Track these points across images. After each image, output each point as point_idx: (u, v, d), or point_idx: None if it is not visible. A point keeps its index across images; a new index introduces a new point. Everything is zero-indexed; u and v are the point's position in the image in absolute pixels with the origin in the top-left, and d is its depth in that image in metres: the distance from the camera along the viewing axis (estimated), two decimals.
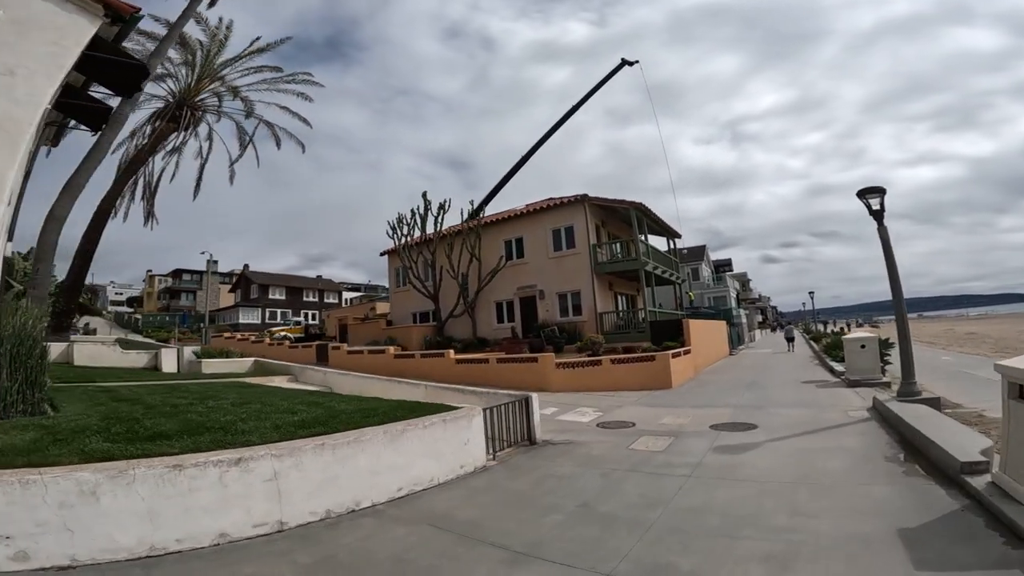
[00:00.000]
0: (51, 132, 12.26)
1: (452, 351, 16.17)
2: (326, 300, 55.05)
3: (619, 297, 22.19)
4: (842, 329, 33.49)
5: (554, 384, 12.90)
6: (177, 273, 71.40)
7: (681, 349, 15.38)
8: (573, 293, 20.29)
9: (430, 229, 23.56)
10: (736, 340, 30.81)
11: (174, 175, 21.97)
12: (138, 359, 15.94)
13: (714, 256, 54.81)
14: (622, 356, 13.38)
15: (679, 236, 25.19)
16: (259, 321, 47.42)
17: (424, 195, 23.87)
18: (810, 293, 42.37)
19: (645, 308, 18.84)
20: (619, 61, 33.51)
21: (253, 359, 14.27)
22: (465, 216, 22.89)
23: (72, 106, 11.00)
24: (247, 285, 52.05)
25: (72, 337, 19.20)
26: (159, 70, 19.77)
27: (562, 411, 9.64)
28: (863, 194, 8.32)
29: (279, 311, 49.98)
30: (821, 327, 39.07)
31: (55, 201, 9.80)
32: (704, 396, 10.98)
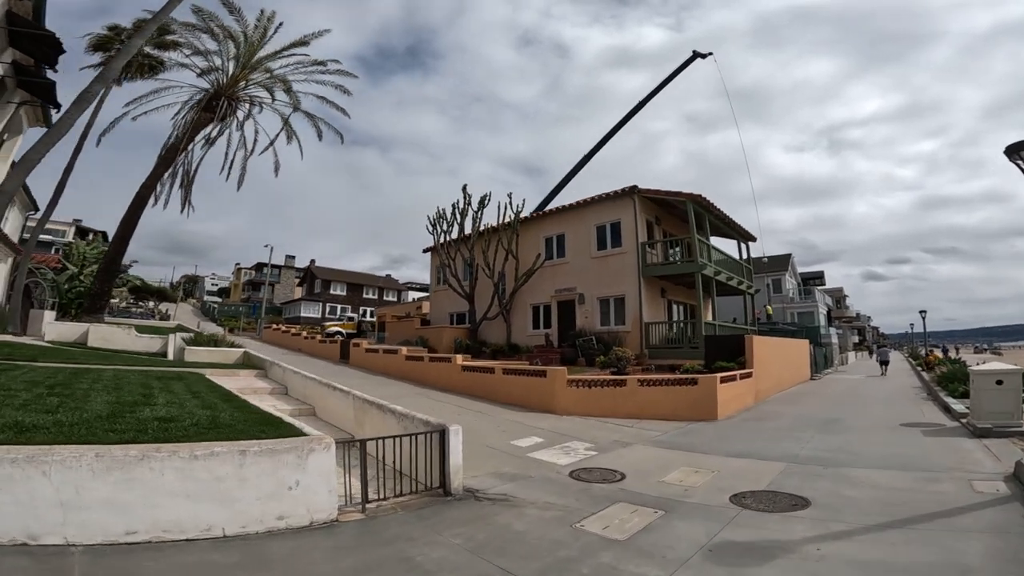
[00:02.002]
0: (38, 113, 12.07)
1: (460, 357, 14.25)
2: (386, 298, 55.59)
3: (674, 306, 19.19)
4: (954, 356, 27.55)
5: (562, 405, 10.53)
6: (259, 266, 76.05)
7: (737, 372, 12.40)
8: (616, 299, 17.67)
9: (470, 225, 22.05)
10: (822, 362, 26.28)
11: (224, 166, 21.99)
12: (151, 343, 15.63)
13: (804, 269, 48.66)
14: (653, 377, 10.74)
15: (753, 239, 21.59)
16: (319, 315, 48.58)
17: (464, 188, 22.34)
18: (921, 312, 35.69)
19: (700, 320, 15.82)
20: (690, 53, 30.44)
21: (243, 350, 13.27)
22: (504, 211, 20.99)
23: (32, 84, 10.64)
24: (312, 280, 53.78)
25: (107, 319, 19.68)
26: (201, 63, 19.86)
27: (547, 444, 7.37)
28: (1015, 151, 5.37)
29: (339, 307, 51.00)
30: (940, 353, 32.54)
31: (5, 176, 9.18)
32: (754, 437, 8.16)
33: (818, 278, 46.95)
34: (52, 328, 16.27)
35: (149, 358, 13.33)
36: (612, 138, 30.41)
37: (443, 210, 23.23)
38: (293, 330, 28.95)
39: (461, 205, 22.43)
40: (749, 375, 13.21)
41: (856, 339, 53.29)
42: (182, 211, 20.42)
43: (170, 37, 19.71)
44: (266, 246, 38.17)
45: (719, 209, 17.61)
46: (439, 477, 4.75)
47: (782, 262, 37.54)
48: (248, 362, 12.35)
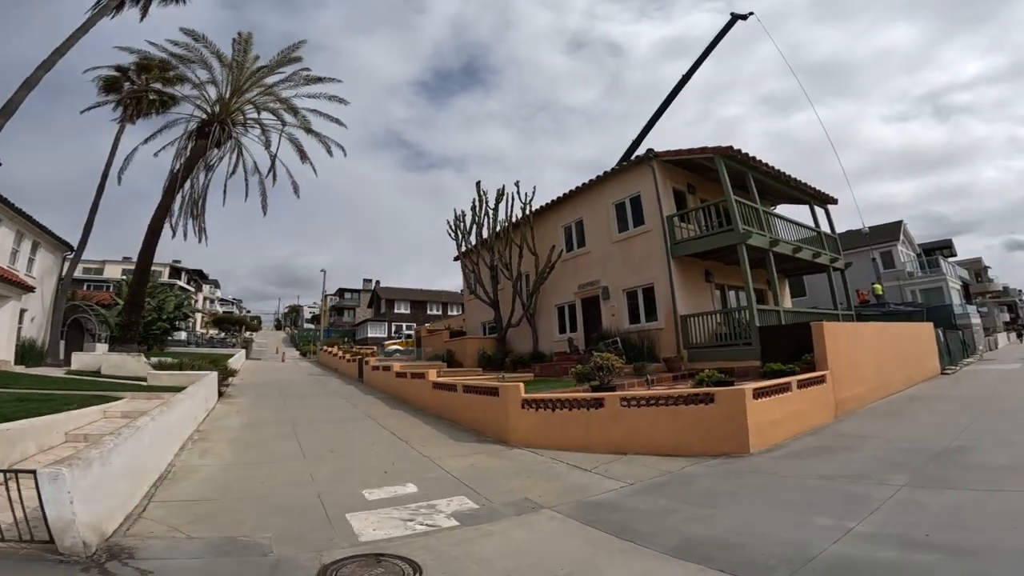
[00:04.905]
0: None
1: (433, 372, 11.80)
2: (450, 312, 54.78)
3: (729, 293, 15.32)
4: None
5: (518, 432, 7.66)
6: (341, 292, 79.68)
7: (794, 377, 8.73)
8: (645, 289, 14.29)
9: (491, 225, 19.72)
10: (959, 350, 20.32)
11: (248, 191, 21.67)
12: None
13: (930, 240, 39.99)
14: (644, 394, 7.51)
15: (831, 201, 16.91)
16: (385, 334, 48.78)
17: (478, 185, 20.07)
18: None
19: (751, 307, 12.03)
20: (729, 17, 25.94)
21: (212, 375, 12.42)
22: (512, 203, 18.46)
23: None
24: (378, 301, 54.47)
25: (186, 350, 19.99)
26: (196, 93, 19.61)
27: (409, 500, 5.03)
28: None
29: (404, 324, 50.95)
30: None
31: None
32: (778, 495, 4.81)
33: (945, 247, 38.02)
34: (78, 358, 16.60)
35: (119, 382, 12.62)
36: (658, 120, 26.61)
37: (462, 212, 21.14)
38: (332, 351, 28.71)
39: (477, 205, 20.21)
40: (820, 380, 9.39)
41: (1007, 317, 42.67)
42: (199, 241, 20.31)
43: (172, 72, 19.75)
44: (322, 271, 38.95)
45: (767, 165, 13.57)
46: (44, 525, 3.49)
47: (891, 231, 30.51)
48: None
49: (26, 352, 17.13)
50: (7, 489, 3.46)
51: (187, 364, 13.67)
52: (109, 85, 19.84)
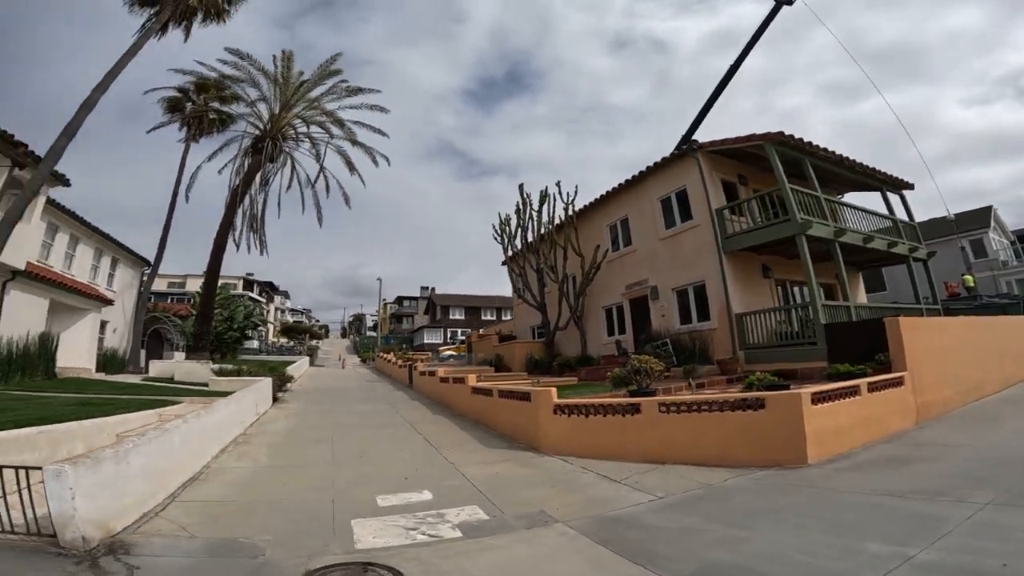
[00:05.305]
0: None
1: (472, 377, 11.67)
2: (504, 317, 54.80)
3: (790, 289, 14.16)
4: None
5: (549, 439, 7.30)
6: (399, 300, 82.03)
7: (865, 379, 7.83)
8: (696, 287, 13.47)
9: (535, 228, 19.51)
10: None
11: (305, 205, 22.72)
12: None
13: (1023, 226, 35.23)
14: (685, 399, 6.93)
15: (907, 187, 15.25)
16: (441, 340, 49.57)
17: (521, 188, 19.92)
18: None
19: (813, 303, 10.99)
20: (773, 3, 24.23)
21: (266, 380, 12.98)
22: (553, 204, 18.17)
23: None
24: (434, 307, 55.47)
25: (254, 357, 21.41)
26: (249, 111, 20.79)
27: (419, 508, 4.85)
28: None
29: (459, 330, 51.53)
30: None
31: None
32: (829, 517, 4.17)
33: None
34: (155, 366, 18.04)
35: (184, 387, 13.46)
36: (709, 112, 25.36)
37: (506, 216, 21.04)
38: (388, 357, 29.63)
39: (521, 208, 20.03)
40: (896, 382, 8.37)
41: None
42: (261, 253, 21.44)
43: (227, 91, 21.11)
44: (378, 279, 40.37)
45: (826, 150, 12.39)
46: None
47: (980, 218, 27.18)
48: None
49: (108, 361, 18.70)
50: (18, 485, 3.59)
51: (245, 371, 14.38)
52: (172, 106, 21.49)
